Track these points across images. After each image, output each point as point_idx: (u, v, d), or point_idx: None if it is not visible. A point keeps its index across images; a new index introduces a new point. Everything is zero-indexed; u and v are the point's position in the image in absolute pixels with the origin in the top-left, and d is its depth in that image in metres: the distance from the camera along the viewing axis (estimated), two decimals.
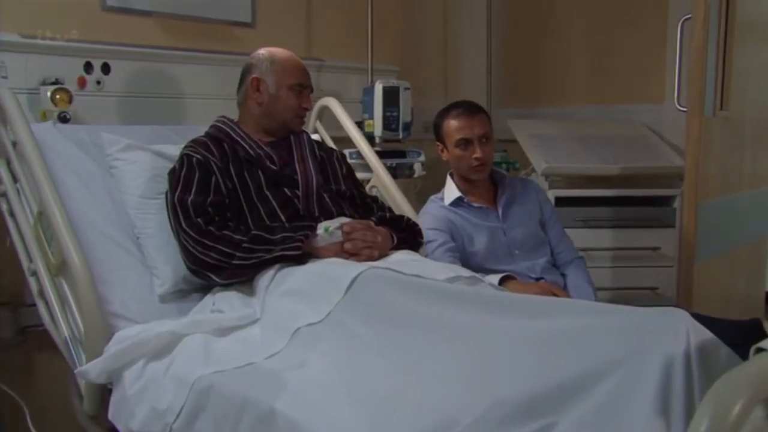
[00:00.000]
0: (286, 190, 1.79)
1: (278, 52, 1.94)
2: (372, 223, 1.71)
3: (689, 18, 2.28)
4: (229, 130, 1.88)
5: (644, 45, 3.09)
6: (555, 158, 2.70)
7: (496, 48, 3.47)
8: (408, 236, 1.83)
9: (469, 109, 2.10)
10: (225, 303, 1.64)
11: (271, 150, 1.86)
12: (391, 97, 2.55)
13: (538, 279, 2.09)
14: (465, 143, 2.08)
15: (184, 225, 1.68)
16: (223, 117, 1.96)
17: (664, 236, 2.69)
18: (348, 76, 3.00)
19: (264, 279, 1.58)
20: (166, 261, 1.76)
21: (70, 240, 1.59)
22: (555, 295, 1.73)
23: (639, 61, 3.11)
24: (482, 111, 2.12)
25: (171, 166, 1.88)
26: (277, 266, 1.59)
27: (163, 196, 1.84)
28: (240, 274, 1.64)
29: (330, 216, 1.78)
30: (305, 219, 1.74)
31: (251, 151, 1.83)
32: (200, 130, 2.11)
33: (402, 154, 2.60)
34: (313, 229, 1.65)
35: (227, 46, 2.72)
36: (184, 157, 1.80)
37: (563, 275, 2.15)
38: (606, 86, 3.23)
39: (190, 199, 1.72)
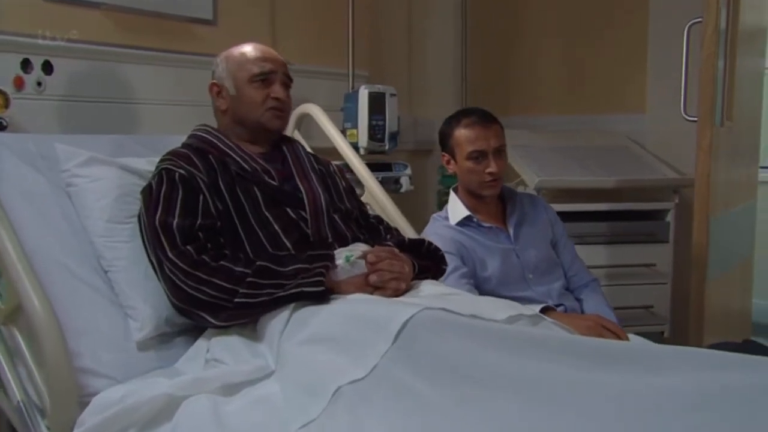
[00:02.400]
0: (288, 210, 1.51)
1: (235, 48, 1.68)
2: (396, 250, 1.46)
3: (696, 22, 2.16)
4: (215, 140, 1.60)
5: (624, 54, 2.98)
6: (546, 171, 2.53)
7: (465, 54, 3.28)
8: (431, 264, 1.59)
9: (484, 118, 1.89)
10: (225, 351, 1.35)
11: (265, 163, 1.58)
12: (376, 104, 2.31)
13: (556, 306, 1.89)
14: (478, 156, 1.87)
15: (170, 254, 1.38)
16: (205, 125, 1.66)
17: (658, 252, 2.57)
18: (318, 81, 2.73)
19: (276, 321, 1.30)
20: (145, 299, 1.45)
21: (28, 279, 1.27)
22: (609, 330, 1.53)
23: (618, 70, 3.00)
24: (497, 121, 1.91)
25: (141, 183, 1.58)
26: (291, 306, 1.31)
27: (136, 219, 1.53)
28: (243, 315, 1.35)
29: (344, 241, 1.52)
30: (315, 245, 1.47)
31: (245, 165, 1.55)
32: (169, 141, 1.81)
33: (387, 167, 2.36)
34: (332, 258, 1.39)
35: (186, 46, 2.40)
36: (163, 172, 1.50)
37: (578, 299, 1.97)
38: (582, 95, 3.10)
39: (175, 223, 1.42)
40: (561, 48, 3.16)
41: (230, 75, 1.63)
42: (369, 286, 1.38)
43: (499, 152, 1.88)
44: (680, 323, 2.69)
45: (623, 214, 2.59)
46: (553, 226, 2.02)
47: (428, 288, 1.44)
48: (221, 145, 1.58)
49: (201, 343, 1.41)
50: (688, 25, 2.19)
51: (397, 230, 1.77)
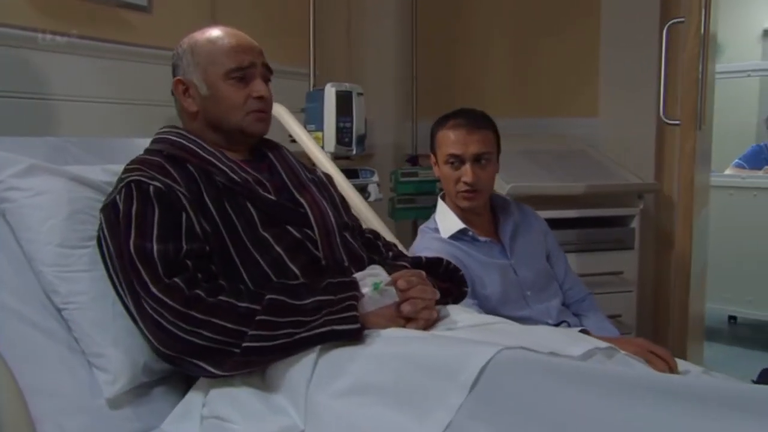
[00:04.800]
0: (291, 229, 1.26)
1: (200, 34, 1.37)
2: (423, 273, 1.25)
3: (676, 22, 2.10)
4: (192, 145, 1.31)
5: (575, 56, 2.90)
6: (514, 177, 2.39)
7: (409, 54, 3.10)
8: (451, 286, 1.39)
9: (472, 121, 1.71)
10: (229, 406, 1.09)
11: (255, 173, 1.32)
12: (343, 104, 2.07)
13: (556, 325, 1.75)
14: (454, 161, 1.70)
15: (153, 290, 1.10)
16: (175, 127, 1.38)
17: (625, 259, 2.50)
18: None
19: (299, 367, 1.06)
20: (115, 342, 1.16)
21: None
22: (656, 354, 1.38)
23: (569, 73, 2.91)
24: (487, 126, 1.73)
25: (97, 197, 1.29)
26: (317, 348, 1.07)
27: (94, 243, 1.23)
28: (254, 363, 1.09)
29: (360, 264, 1.28)
30: (329, 270, 1.23)
31: (234, 175, 1.28)
32: (120, 144, 1.53)
33: (354, 174, 2.13)
34: (357, 286, 1.16)
35: (116, 34, 2.06)
36: (133, 185, 1.21)
37: (576, 315, 1.84)
38: (533, 98, 3.00)
39: (155, 249, 1.14)
40: (510, 49, 3.05)
41: (200, 70, 1.33)
42: (401, 317, 1.16)
43: (483, 161, 1.71)
44: (644, 331, 2.65)
45: (588, 220, 2.50)
46: (545, 237, 1.88)
47: (461, 316, 1.25)
48: (201, 152, 1.30)
49: (194, 397, 1.14)
50: (667, 25, 2.11)
51: (395, 246, 1.56)
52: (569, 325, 1.74)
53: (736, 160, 4.09)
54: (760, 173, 3.87)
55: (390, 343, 1.05)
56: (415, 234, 2.87)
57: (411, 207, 2.68)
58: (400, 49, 3.07)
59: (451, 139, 1.71)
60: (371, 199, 2.15)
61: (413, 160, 2.88)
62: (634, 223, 2.52)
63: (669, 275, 2.81)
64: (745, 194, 3.63)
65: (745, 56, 4.76)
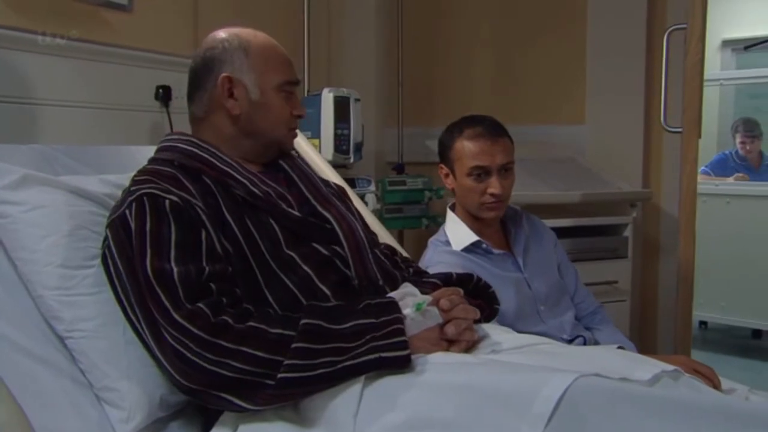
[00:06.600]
0: (318, 246, 1.16)
1: (249, 34, 1.25)
2: (462, 291, 1.17)
3: (676, 29, 2.07)
4: (206, 154, 1.19)
5: (561, 63, 2.87)
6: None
7: (391, 59, 3.01)
8: (483, 303, 1.30)
9: (492, 129, 1.64)
10: None
11: (275, 185, 1.22)
12: (341, 110, 1.97)
13: (570, 341, 1.69)
14: (481, 173, 1.62)
15: (175, 316, 0.99)
16: (184, 134, 1.26)
17: (619, 268, 2.46)
18: None
19: (343, 399, 0.96)
20: (128, 375, 1.04)
21: None
22: (701, 373, 1.32)
23: (556, 80, 2.88)
24: (505, 134, 1.67)
25: (99, 212, 1.17)
26: (362, 377, 0.97)
27: (99, 262, 1.11)
28: (290, 396, 0.98)
29: (394, 283, 1.19)
30: (362, 290, 1.14)
31: (254, 189, 1.17)
32: (112, 153, 1.40)
33: (351, 184, 2.03)
34: (398, 307, 1.06)
35: (94, 34, 1.92)
36: (145, 199, 1.08)
37: (587, 329, 1.78)
38: (518, 106, 2.95)
39: (175, 272, 1.02)
40: (496, 57, 3.00)
41: (255, 72, 1.21)
42: (445, 340, 1.07)
43: (506, 170, 1.65)
44: (633, 340, 2.62)
45: (580, 229, 2.46)
46: (555, 248, 1.82)
47: (503, 337, 1.16)
48: (217, 162, 1.18)
49: None
50: (668, 31, 2.08)
51: (413, 261, 1.47)
52: (585, 340, 1.69)
53: (703, 167, 4.15)
54: (730, 180, 3.94)
55: (445, 371, 0.96)
56: (401, 244, 2.81)
57: (398, 216, 2.59)
58: (382, 56, 2.98)
59: (474, 151, 1.63)
60: (369, 209, 2.05)
61: (400, 168, 2.79)
62: (627, 232, 2.49)
63: (656, 283, 2.81)
64: (718, 201, 3.66)
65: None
